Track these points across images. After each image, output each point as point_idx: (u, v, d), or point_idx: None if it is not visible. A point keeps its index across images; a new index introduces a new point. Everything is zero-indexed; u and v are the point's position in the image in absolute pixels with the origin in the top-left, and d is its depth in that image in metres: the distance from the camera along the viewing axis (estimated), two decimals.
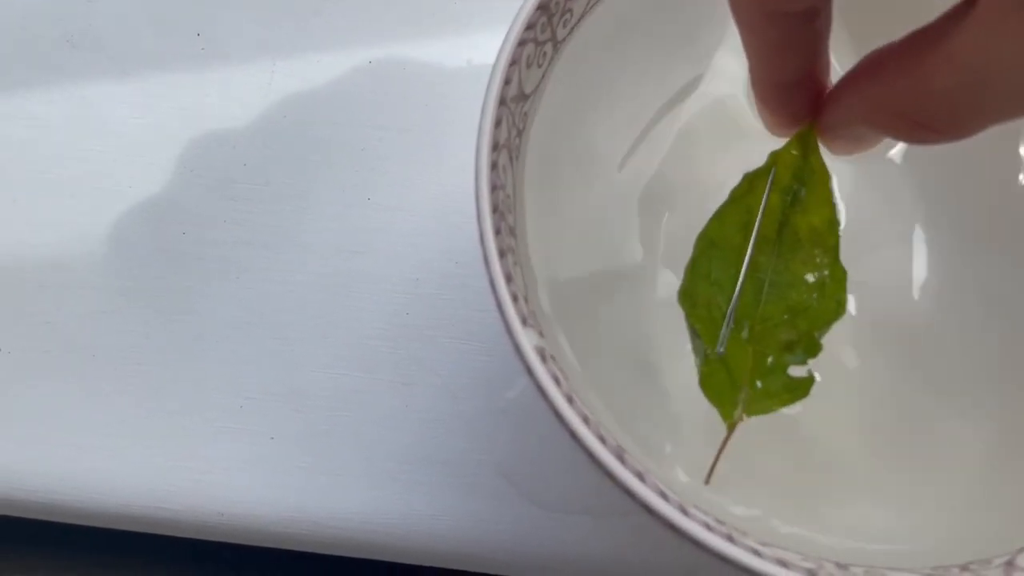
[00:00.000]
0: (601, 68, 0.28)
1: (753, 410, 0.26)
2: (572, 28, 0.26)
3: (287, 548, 0.32)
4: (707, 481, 0.26)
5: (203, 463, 0.32)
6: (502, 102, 0.24)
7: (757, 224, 0.26)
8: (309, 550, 0.32)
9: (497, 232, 0.23)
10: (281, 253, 0.34)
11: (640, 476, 0.21)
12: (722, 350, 0.26)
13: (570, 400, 0.21)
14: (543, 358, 0.22)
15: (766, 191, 0.26)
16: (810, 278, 0.26)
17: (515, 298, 0.22)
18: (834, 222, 0.26)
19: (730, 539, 0.20)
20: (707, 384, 0.26)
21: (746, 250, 0.26)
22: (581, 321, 0.27)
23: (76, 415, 0.32)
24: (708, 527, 0.20)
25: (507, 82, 0.24)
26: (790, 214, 0.25)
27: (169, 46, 0.36)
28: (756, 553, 0.20)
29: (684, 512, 0.20)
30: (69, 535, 0.33)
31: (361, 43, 0.36)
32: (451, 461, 0.32)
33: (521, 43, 0.24)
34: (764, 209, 0.26)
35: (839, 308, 0.26)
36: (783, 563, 0.20)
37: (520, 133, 0.25)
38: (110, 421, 0.32)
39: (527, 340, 0.22)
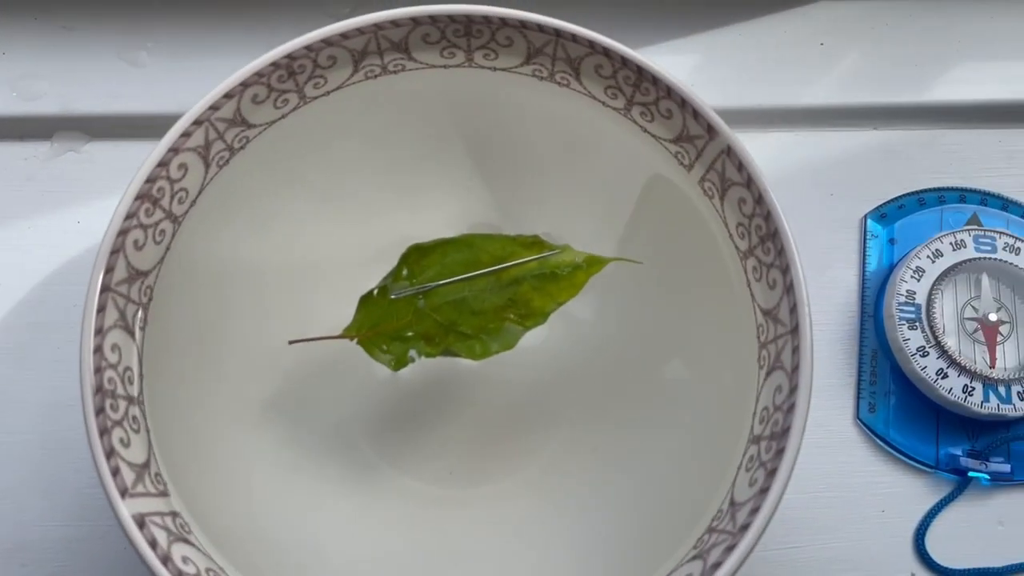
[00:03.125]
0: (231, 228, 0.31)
1: (364, 345, 0.30)
2: (193, 202, 0.29)
3: None
4: (290, 343, 0.30)
5: None
6: (105, 289, 0.26)
7: (506, 266, 0.30)
8: None
9: (99, 412, 0.25)
10: None
11: None
12: (395, 296, 0.30)
13: (165, 561, 0.24)
14: (140, 524, 0.24)
15: (536, 255, 0.30)
16: (489, 326, 0.30)
17: (115, 472, 0.25)
18: (544, 317, 0.30)
19: None
20: (366, 302, 0.30)
21: (480, 269, 0.30)
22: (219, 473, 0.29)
23: None
24: None
25: (109, 270, 0.26)
26: (528, 282, 0.30)
27: None
28: None
29: None
30: None
31: None
32: None
33: (122, 232, 0.27)
34: (519, 264, 0.30)
35: (479, 355, 0.30)
36: None
37: (145, 305, 0.28)
38: None
39: (126, 511, 0.24)
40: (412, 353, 0.30)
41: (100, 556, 0.34)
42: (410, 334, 0.30)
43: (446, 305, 0.30)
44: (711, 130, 0.29)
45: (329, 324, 0.31)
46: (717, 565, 0.24)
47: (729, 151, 0.28)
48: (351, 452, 0.33)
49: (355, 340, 0.30)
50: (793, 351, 0.26)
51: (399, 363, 0.30)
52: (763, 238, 0.28)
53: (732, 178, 0.29)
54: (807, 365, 0.26)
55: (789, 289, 0.27)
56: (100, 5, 0.41)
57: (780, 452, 0.25)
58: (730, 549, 0.24)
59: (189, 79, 0.40)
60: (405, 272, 0.30)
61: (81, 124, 0.40)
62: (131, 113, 0.39)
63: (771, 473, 0.25)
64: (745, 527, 0.24)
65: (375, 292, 0.30)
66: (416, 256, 0.30)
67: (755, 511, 0.25)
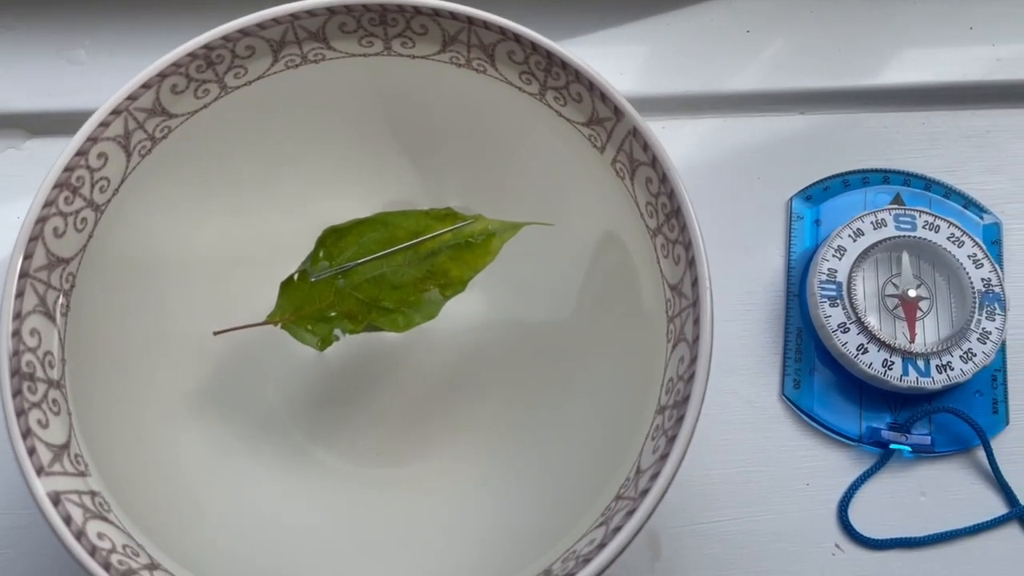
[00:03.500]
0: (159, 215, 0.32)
1: (289, 329, 0.31)
2: (115, 191, 0.30)
3: None
4: (215, 333, 0.31)
5: None
6: (23, 275, 0.27)
7: (422, 239, 0.31)
8: None
9: (16, 394, 0.26)
10: None
11: None
12: (314, 279, 0.31)
13: (79, 536, 0.24)
14: (55, 501, 0.25)
15: (450, 227, 0.31)
16: (411, 298, 0.31)
17: (31, 451, 0.25)
18: (463, 285, 0.31)
19: None
20: (287, 288, 0.31)
21: (398, 245, 0.31)
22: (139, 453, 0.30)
23: None
24: None
25: (27, 256, 0.27)
26: (445, 252, 0.31)
27: None
28: None
29: None
30: None
31: None
32: None
33: (40, 219, 0.28)
34: (435, 236, 0.31)
35: (402, 327, 0.31)
36: None
37: (67, 292, 0.28)
38: None
39: (40, 488, 0.25)
40: (337, 332, 0.30)
41: (41, 544, 0.35)
42: (333, 314, 0.31)
43: (366, 283, 0.31)
44: (618, 112, 0.29)
45: (258, 311, 0.32)
46: (618, 529, 0.25)
47: (635, 132, 0.29)
48: (278, 435, 0.33)
49: (279, 325, 0.31)
50: (694, 323, 0.27)
51: (324, 343, 0.30)
52: (668, 215, 0.29)
53: (639, 158, 0.29)
54: (707, 335, 0.26)
55: (691, 263, 0.28)
56: (39, 5, 0.42)
57: (680, 419, 0.26)
58: (630, 513, 0.25)
59: (127, 76, 0.40)
60: (323, 254, 0.31)
61: (21, 121, 0.40)
62: (70, 110, 0.40)
63: (671, 439, 0.26)
64: (645, 492, 0.25)
65: (295, 277, 0.31)
66: (333, 238, 0.31)
67: (655, 476, 0.25)
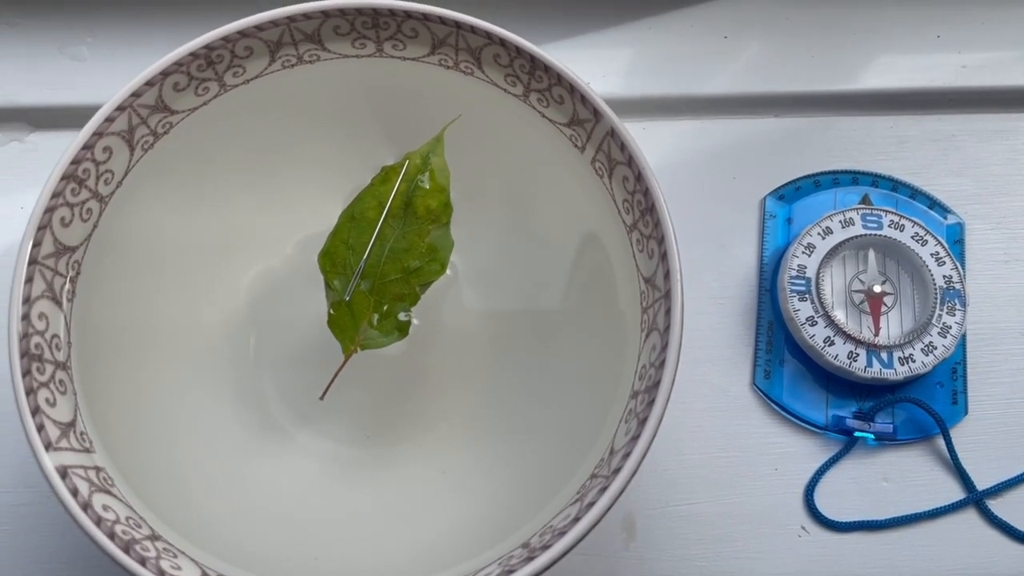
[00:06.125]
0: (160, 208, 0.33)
1: (367, 345, 0.33)
2: (119, 183, 0.31)
3: None
4: (322, 397, 0.34)
5: None
6: (32, 261, 0.29)
7: (388, 204, 0.33)
8: None
9: (25, 374, 0.27)
10: None
11: (142, 562, 0.26)
12: (348, 298, 0.33)
13: (85, 508, 0.26)
14: (63, 475, 0.26)
15: (398, 180, 0.33)
16: (423, 246, 0.33)
17: (40, 428, 0.27)
18: (447, 205, 0.33)
19: None
20: (334, 324, 0.33)
21: (377, 223, 0.33)
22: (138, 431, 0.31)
23: None
24: None
25: (36, 244, 0.29)
26: (413, 197, 0.33)
27: None
28: None
29: None
30: None
31: None
32: None
33: (49, 209, 0.29)
34: (395, 194, 0.33)
35: (441, 269, 0.33)
36: None
37: (73, 279, 0.30)
38: None
39: (49, 462, 0.26)
40: (402, 316, 0.32)
41: (43, 520, 0.36)
42: (385, 308, 0.33)
43: (385, 266, 0.33)
44: (597, 113, 0.31)
45: (252, 300, 0.33)
46: (591, 504, 0.27)
47: (613, 133, 0.31)
48: (275, 417, 0.35)
49: (359, 350, 0.33)
50: (666, 313, 0.29)
51: (402, 332, 0.33)
52: (643, 212, 0.30)
53: (617, 158, 0.31)
54: (677, 325, 0.28)
55: (664, 257, 0.29)
56: (42, 2, 0.43)
57: (651, 403, 0.28)
58: (603, 490, 0.27)
59: (128, 72, 0.41)
60: (333, 278, 0.33)
61: (25, 115, 0.42)
62: (72, 104, 0.42)
63: (642, 422, 0.27)
64: (617, 470, 0.27)
65: (331, 311, 0.33)
66: (329, 262, 0.33)
67: (627, 456, 0.27)
